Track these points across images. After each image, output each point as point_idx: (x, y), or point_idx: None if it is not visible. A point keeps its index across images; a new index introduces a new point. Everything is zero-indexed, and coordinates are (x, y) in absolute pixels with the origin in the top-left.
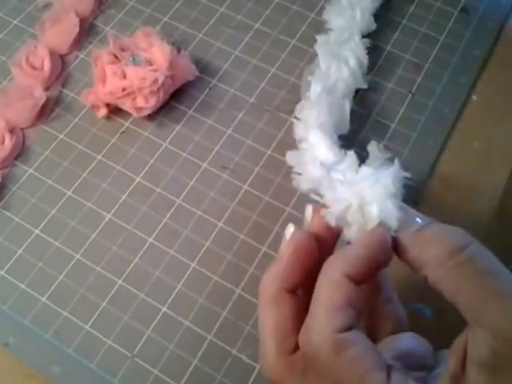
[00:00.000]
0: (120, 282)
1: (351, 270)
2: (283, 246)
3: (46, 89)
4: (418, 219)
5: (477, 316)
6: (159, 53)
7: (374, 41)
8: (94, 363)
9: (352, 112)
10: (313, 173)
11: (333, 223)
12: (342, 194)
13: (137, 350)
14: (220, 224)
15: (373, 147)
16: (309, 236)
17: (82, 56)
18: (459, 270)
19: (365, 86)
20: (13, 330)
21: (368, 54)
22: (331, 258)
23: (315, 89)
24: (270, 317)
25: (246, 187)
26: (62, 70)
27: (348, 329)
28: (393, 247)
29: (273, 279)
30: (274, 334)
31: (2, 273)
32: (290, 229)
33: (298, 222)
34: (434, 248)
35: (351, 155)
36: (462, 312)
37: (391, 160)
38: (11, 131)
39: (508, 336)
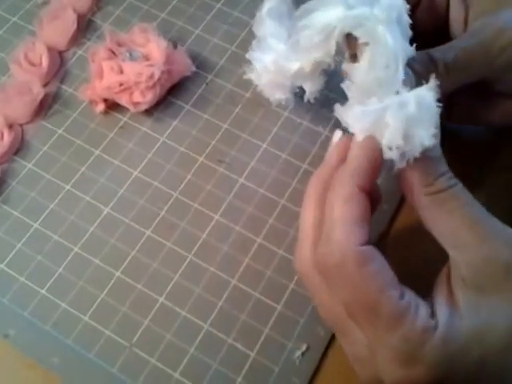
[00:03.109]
0: (118, 273)
1: (360, 181)
2: (332, 150)
3: (45, 85)
4: None
5: (454, 242)
6: (156, 48)
7: None
8: (92, 353)
9: None
10: None
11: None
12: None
13: (135, 339)
14: (216, 216)
15: None
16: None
17: (80, 52)
18: (435, 200)
19: None
20: (13, 322)
21: None
22: (337, 174)
23: None
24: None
25: (241, 180)
26: (60, 66)
27: (366, 243)
28: None
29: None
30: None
31: (2, 266)
32: (338, 134)
33: (292, 214)
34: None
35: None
36: (439, 238)
37: None
38: (10, 127)
39: (486, 255)
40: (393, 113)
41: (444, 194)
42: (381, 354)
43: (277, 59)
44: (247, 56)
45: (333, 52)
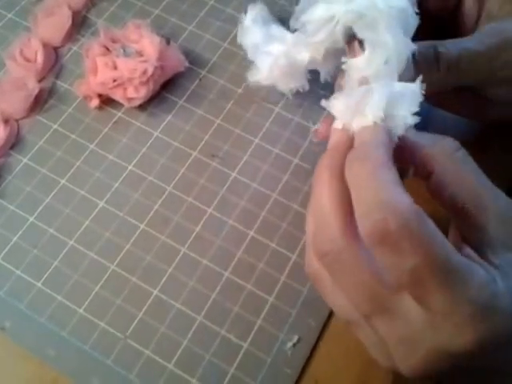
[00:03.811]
0: (113, 266)
1: (387, 152)
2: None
3: (40, 80)
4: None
5: (483, 203)
6: (149, 44)
7: None
8: (88, 345)
9: None
10: None
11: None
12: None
13: (129, 331)
14: (209, 210)
15: None
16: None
17: (74, 48)
18: (460, 159)
19: None
20: (9, 315)
21: None
22: (354, 154)
23: None
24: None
25: (234, 174)
26: (55, 62)
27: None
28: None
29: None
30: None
31: None
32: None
33: (284, 208)
34: (441, 144)
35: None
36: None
37: None
38: (6, 122)
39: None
40: (377, 90)
41: (461, 151)
42: (458, 316)
43: (287, 50)
44: (250, 57)
45: (340, 42)
